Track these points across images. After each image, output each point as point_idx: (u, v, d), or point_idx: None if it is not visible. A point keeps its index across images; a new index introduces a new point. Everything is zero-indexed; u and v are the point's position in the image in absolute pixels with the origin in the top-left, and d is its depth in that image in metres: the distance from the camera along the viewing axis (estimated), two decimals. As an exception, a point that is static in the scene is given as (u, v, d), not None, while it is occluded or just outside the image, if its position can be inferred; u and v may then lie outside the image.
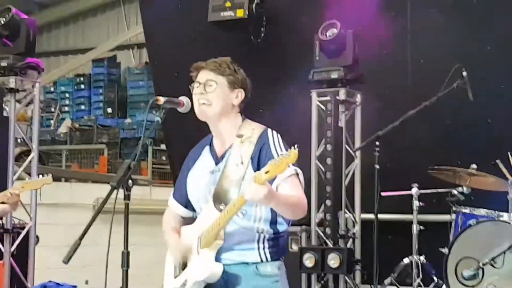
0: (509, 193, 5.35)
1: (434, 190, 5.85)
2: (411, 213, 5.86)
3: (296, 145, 2.88)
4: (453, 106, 6.36)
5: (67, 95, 16.58)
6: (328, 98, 6.59)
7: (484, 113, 6.45)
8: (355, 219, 6.59)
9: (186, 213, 3.47)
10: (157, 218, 10.91)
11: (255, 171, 3.11)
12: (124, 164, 3.05)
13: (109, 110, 16.10)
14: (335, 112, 6.50)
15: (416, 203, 5.84)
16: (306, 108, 6.72)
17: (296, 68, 7.03)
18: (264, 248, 3.22)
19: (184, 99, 3.35)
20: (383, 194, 5.78)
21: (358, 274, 6.49)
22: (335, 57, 6.57)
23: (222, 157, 3.31)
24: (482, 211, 5.55)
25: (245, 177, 3.16)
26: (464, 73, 5.82)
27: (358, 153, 6.63)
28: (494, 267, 5.06)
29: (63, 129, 15.07)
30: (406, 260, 5.92)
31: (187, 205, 3.45)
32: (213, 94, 3.29)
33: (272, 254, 3.23)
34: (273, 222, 3.25)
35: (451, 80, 5.81)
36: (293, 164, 3.02)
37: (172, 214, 3.53)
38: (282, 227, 3.27)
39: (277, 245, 3.26)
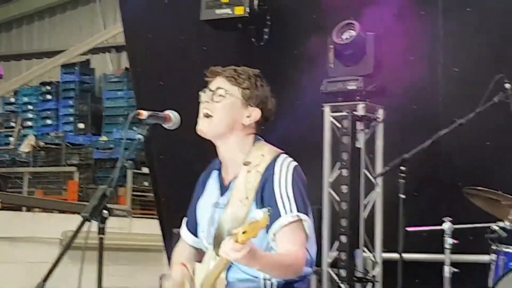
0: (560, 230, 5.35)
1: (471, 225, 5.86)
2: (443, 252, 5.86)
3: (269, 209, 2.86)
4: (494, 124, 6.38)
5: (30, 107, 16.63)
6: (344, 113, 6.61)
7: (531, 133, 6.47)
8: (375, 259, 6.60)
9: (200, 244, 3.54)
10: (138, 256, 11.05)
11: (259, 207, 3.17)
12: (98, 191, 3.08)
13: (81, 125, 16.13)
14: (353, 130, 6.52)
15: (449, 241, 5.84)
16: (317, 126, 6.74)
17: (305, 78, 7.06)
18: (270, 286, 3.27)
19: (171, 113, 3.38)
20: (409, 229, 5.78)
21: (378, 326, 6.49)
22: (352, 65, 6.60)
23: (227, 188, 3.38)
24: (527, 251, 5.55)
25: (248, 216, 3.17)
26: (507, 85, 5.84)
27: (379, 180, 6.64)
28: (542, 318, 5.05)
29: (25, 147, 15.11)
30: (436, 309, 5.91)
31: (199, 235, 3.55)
32: (219, 105, 3.35)
33: None
34: None
35: (491, 94, 5.83)
36: (298, 209, 3.14)
37: (183, 246, 3.62)
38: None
39: None
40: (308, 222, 3.25)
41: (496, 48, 6.62)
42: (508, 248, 5.61)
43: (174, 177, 8.05)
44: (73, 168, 14.14)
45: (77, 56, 16.68)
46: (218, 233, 3.30)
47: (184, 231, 3.63)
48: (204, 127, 3.40)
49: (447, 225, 5.85)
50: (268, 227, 3.11)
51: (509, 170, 6.51)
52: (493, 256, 5.68)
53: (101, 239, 3.04)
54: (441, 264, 5.89)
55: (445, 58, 6.90)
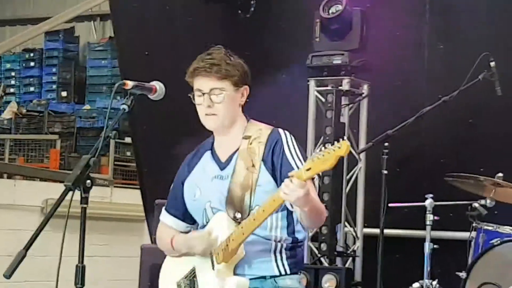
0: (540, 208, 5.38)
1: (452, 202, 5.89)
2: (424, 228, 5.89)
3: (345, 137, 3.01)
4: (477, 102, 6.40)
5: (13, 73, 16.50)
6: (329, 88, 6.62)
7: (514, 112, 6.49)
8: (356, 234, 6.63)
9: (185, 227, 3.65)
10: (118, 225, 11.01)
11: (270, 173, 3.35)
12: (82, 160, 3.07)
13: (64, 93, 16.03)
14: (337, 105, 6.53)
15: (430, 217, 5.86)
16: (302, 100, 6.74)
17: (291, 51, 7.05)
18: (282, 259, 3.41)
19: (156, 84, 3.38)
20: (390, 205, 5.81)
21: (357, 300, 6.53)
22: (338, 40, 6.60)
23: (228, 161, 3.47)
24: (507, 229, 5.58)
25: (259, 180, 3.35)
26: (492, 64, 5.85)
27: (362, 156, 6.66)
28: (520, 296, 5.10)
29: (7, 114, 15.02)
30: (416, 285, 5.94)
31: (185, 218, 3.63)
32: (220, 105, 3.42)
33: (291, 266, 3.42)
34: (291, 230, 3.45)
35: (476, 71, 5.84)
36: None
37: (168, 231, 3.68)
38: (300, 235, 3.48)
39: (295, 256, 3.45)
40: (316, 180, 3.47)
41: (482, 26, 6.63)
42: (488, 225, 5.65)
43: (157, 148, 8.03)
44: (55, 136, 14.07)
45: (62, 24, 16.54)
46: (230, 200, 3.38)
47: (164, 214, 3.70)
48: (210, 125, 3.48)
49: (428, 202, 5.87)
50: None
51: (492, 148, 6.55)
52: (473, 234, 5.72)
53: (83, 208, 3.03)
54: (421, 240, 5.92)
55: (430, 35, 6.90)
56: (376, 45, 6.67)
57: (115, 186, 10.77)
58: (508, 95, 5.96)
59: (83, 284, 3.00)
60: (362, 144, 6.63)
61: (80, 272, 3.00)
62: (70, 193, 2.99)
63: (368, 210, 6.55)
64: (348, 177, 6.66)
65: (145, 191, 8.27)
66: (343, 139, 3.02)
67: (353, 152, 6.64)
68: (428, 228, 5.87)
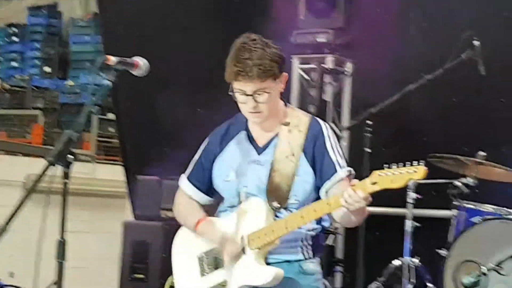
0: (521, 187, 5.41)
1: (434, 181, 5.90)
2: (405, 206, 5.92)
3: (422, 161, 3.15)
4: (461, 81, 6.41)
5: (-5, 48, 16.40)
6: (313, 66, 6.62)
7: (496, 91, 6.51)
8: (338, 212, 6.64)
9: (208, 200, 3.67)
10: (101, 201, 10.97)
11: (310, 164, 3.37)
12: (64, 136, 3.06)
13: (47, 69, 15.94)
14: (321, 83, 6.53)
15: (411, 195, 5.89)
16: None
17: (276, 29, 7.02)
18: (307, 246, 3.46)
19: (139, 59, 3.37)
20: (373, 183, 5.82)
21: (339, 277, 6.56)
22: (323, 17, 6.60)
23: (266, 147, 3.48)
24: (488, 207, 5.62)
25: (298, 171, 3.36)
26: (476, 43, 5.86)
27: (346, 133, 6.67)
28: (500, 273, 5.12)
29: (-11, 89, 14.94)
30: (396, 262, 5.98)
31: (208, 192, 3.64)
32: (264, 104, 3.39)
33: (314, 251, 3.48)
34: (319, 219, 3.47)
35: (460, 51, 5.85)
36: (347, 164, 3.38)
37: (187, 199, 3.68)
38: (326, 223, 3.54)
39: (318, 241, 3.50)
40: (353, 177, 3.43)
41: (466, 5, 6.63)
42: (470, 204, 5.68)
43: (140, 124, 8.02)
44: (38, 112, 14.00)
45: (45, -1, 16.43)
46: (270, 188, 3.39)
47: (186, 184, 3.68)
48: (255, 121, 3.47)
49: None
50: (321, 179, 3.35)
51: (474, 126, 6.57)
52: (455, 212, 5.75)
53: (65, 183, 3.03)
54: (403, 218, 5.95)
55: (415, 14, 6.90)
56: (361, 24, 6.67)
57: (97, 162, 10.75)
58: (491, 74, 5.98)
59: (64, 258, 3.00)
60: (346, 122, 6.64)
61: (61, 247, 3.00)
62: (52, 168, 2.99)
63: (351, 188, 6.56)
64: (331, 155, 6.66)
65: (128, 167, 8.26)
66: (419, 164, 3.13)
67: (336, 130, 6.66)
68: (410, 206, 5.89)
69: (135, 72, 3.38)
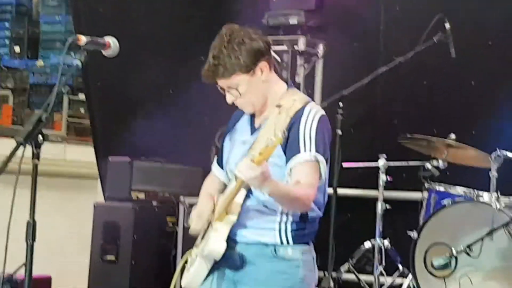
0: (491, 170, 5.44)
1: (405, 163, 5.93)
2: (377, 188, 5.94)
3: (284, 131, 3.12)
4: (431, 64, 6.43)
5: (-36, 28, 16.24)
6: (284, 47, 6.61)
7: (467, 74, 6.54)
8: (309, 194, 6.64)
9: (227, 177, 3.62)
10: (72, 183, 10.88)
11: (283, 148, 3.31)
12: (34, 116, 3.04)
13: (17, 48, 15.79)
14: (292, 64, 6.52)
15: (382, 177, 5.92)
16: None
17: (247, 10, 7.00)
18: (286, 231, 3.39)
19: (110, 39, 3.34)
20: (344, 165, 5.84)
21: (310, 259, 6.57)
22: (295, -1, 6.58)
23: (258, 128, 3.47)
24: (459, 190, 5.64)
25: (273, 152, 3.26)
26: (447, 26, 5.87)
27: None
28: (470, 255, 5.17)
29: (-42, 69, 14.79)
30: (367, 244, 6.01)
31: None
32: (242, 98, 3.40)
33: (295, 238, 3.40)
34: None
35: (431, 33, 5.86)
36: (317, 150, 3.31)
37: (213, 179, 3.70)
38: (312, 213, 3.45)
39: (303, 229, 3.43)
40: (324, 165, 3.39)
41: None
42: (440, 186, 5.71)
43: (111, 105, 7.97)
44: (8, 92, 13.89)
45: (15, -22, 16.28)
46: None
47: (214, 165, 3.70)
48: (245, 111, 3.49)
49: (381, 162, 5.92)
50: (286, 162, 3.31)
51: (444, 109, 6.59)
52: (425, 194, 5.78)
53: (35, 164, 3.00)
54: (374, 200, 5.98)
55: (387, -4, 6.90)
56: (333, 6, 6.66)
57: (68, 143, 10.67)
58: (461, 57, 6.00)
59: (34, 239, 2.99)
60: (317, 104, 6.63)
61: (31, 228, 2.98)
62: (22, 148, 2.96)
63: (322, 170, 6.56)
64: (302, 136, 6.67)
65: (99, 148, 8.21)
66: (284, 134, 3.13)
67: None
68: (381, 188, 5.92)
69: (106, 53, 3.34)
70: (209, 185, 3.68)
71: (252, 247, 3.37)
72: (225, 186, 3.61)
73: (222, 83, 3.38)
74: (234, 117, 3.64)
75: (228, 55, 3.33)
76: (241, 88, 3.37)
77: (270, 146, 3.03)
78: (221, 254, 3.31)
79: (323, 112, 3.45)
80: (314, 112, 3.39)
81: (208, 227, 3.43)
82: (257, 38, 3.43)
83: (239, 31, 3.41)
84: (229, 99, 3.41)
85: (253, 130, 3.50)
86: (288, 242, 3.38)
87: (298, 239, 3.41)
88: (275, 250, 3.38)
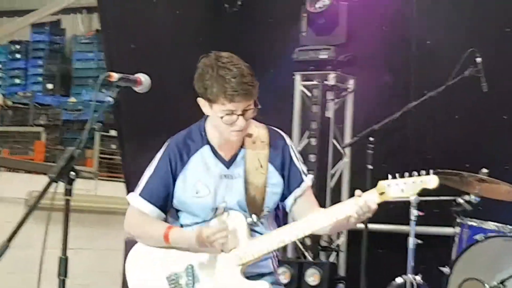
0: (524, 205, 5.40)
1: (436, 198, 5.90)
2: (408, 223, 5.90)
3: (433, 171, 3.18)
4: (463, 98, 6.41)
5: (-1, 65, 16.43)
6: (315, 82, 6.63)
7: (499, 108, 6.51)
8: (341, 229, 6.63)
9: (162, 217, 3.58)
10: (102, 218, 10.98)
11: (280, 174, 3.42)
12: (66, 152, 3.06)
13: (50, 86, 15.98)
14: (323, 99, 6.53)
15: (414, 212, 5.87)
16: (288, 94, 6.74)
17: (278, 46, 7.04)
18: (274, 257, 3.53)
19: (142, 76, 3.37)
20: (375, 200, 5.81)
21: (341, 295, 6.54)
22: (325, 34, 6.61)
23: (233, 159, 3.46)
24: (491, 225, 5.60)
25: (269, 181, 3.40)
26: (478, 60, 5.86)
27: (347, 150, 6.67)
28: (504, 291, 5.12)
29: (-8, 106, 14.95)
30: (399, 280, 5.95)
31: (162, 207, 3.55)
32: (249, 121, 3.40)
33: (278, 262, 3.56)
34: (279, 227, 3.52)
35: (462, 67, 5.85)
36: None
37: (144, 216, 3.57)
38: None
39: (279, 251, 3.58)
40: None
41: (468, 22, 6.64)
42: (472, 221, 5.66)
43: (141, 141, 8.01)
44: (40, 129, 14.01)
45: (48, 16, 16.48)
46: (248, 202, 3.40)
47: (139, 201, 3.56)
48: (234, 140, 3.43)
49: (413, 197, 5.87)
50: (288, 193, 3.44)
51: (476, 143, 6.56)
52: (457, 229, 5.74)
53: (67, 200, 3.02)
54: (405, 235, 5.93)
55: (418, 31, 6.90)
56: (363, 40, 6.68)
57: (99, 179, 10.73)
58: (493, 91, 5.97)
59: (66, 275, 3.00)
60: (348, 139, 6.64)
61: (63, 264, 2.99)
62: (54, 185, 2.98)
63: (353, 205, 6.54)
64: (333, 171, 6.67)
65: (130, 184, 8.25)
66: (428, 173, 3.17)
67: (338, 146, 6.65)
68: (413, 223, 5.87)
69: (137, 89, 3.37)
70: (153, 220, 3.54)
71: (253, 278, 3.41)
72: None
73: (243, 104, 3.30)
74: (177, 153, 3.53)
75: (251, 73, 3.33)
76: (253, 108, 3.36)
77: (398, 188, 3.16)
78: None
79: None
80: (283, 133, 3.56)
81: (193, 267, 3.45)
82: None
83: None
84: (241, 123, 3.33)
85: (227, 163, 3.46)
86: (275, 268, 3.52)
87: (278, 262, 3.58)
88: (273, 278, 3.49)
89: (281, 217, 3.57)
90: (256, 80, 3.34)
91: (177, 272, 3.50)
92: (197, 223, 3.49)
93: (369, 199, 3.13)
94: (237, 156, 3.45)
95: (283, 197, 3.47)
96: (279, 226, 3.51)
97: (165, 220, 3.57)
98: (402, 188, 3.07)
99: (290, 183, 3.42)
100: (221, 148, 3.48)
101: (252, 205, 3.40)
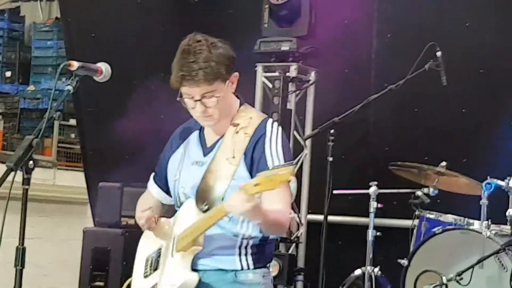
0: (482, 198, 5.46)
1: (395, 190, 5.94)
2: (367, 216, 5.94)
3: (293, 161, 2.96)
4: (423, 91, 6.46)
5: (-44, 52, 16.23)
6: (276, 74, 6.62)
7: (458, 101, 6.57)
8: (300, 220, 6.65)
9: (170, 200, 3.57)
10: (61, 208, 10.89)
11: (248, 169, 3.24)
12: (25, 141, 3.03)
13: (8, 73, 15.80)
14: (284, 91, 6.54)
15: (373, 205, 5.92)
16: (249, 85, 6.73)
17: (239, 37, 7.01)
18: (246, 255, 3.34)
19: (102, 65, 3.35)
20: (335, 192, 5.84)
21: (300, 286, 6.56)
22: (287, 26, 6.61)
23: (212, 148, 3.38)
24: (449, 218, 5.66)
25: (235, 175, 3.24)
26: (438, 53, 5.90)
27: (308, 142, 6.68)
28: (460, 283, 5.16)
29: (-51, 94, 14.77)
30: (357, 272, 6.00)
31: (169, 192, 3.56)
32: (213, 107, 3.28)
33: (255, 261, 3.35)
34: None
35: (422, 61, 5.89)
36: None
37: (150, 198, 3.63)
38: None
39: (262, 252, 3.39)
40: (293, 183, 3.29)
41: (429, 16, 6.69)
42: (431, 213, 5.72)
43: (102, 131, 7.97)
44: (-2, 117, 13.89)
45: (7, 3, 16.32)
46: (202, 189, 3.31)
47: (151, 183, 3.65)
48: (206, 125, 3.38)
49: (372, 189, 5.93)
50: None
51: (435, 136, 6.62)
52: (416, 221, 5.79)
53: (25, 189, 3.00)
54: (365, 227, 5.98)
55: (379, 24, 6.94)
56: (325, 33, 6.69)
57: (58, 168, 10.66)
58: (453, 85, 6.02)
59: (23, 265, 2.98)
60: (308, 131, 6.65)
61: (21, 254, 2.97)
62: (12, 174, 2.96)
63: (313, 197, 6.58)
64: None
65: (89, 174, 8.22)
66: (290, 164, 2.98)
67: (299, 138, 6.67)
68: (372, 215, 5.92)
69: (97, 78, 3.35)
70: (145, 203, 3.58)
71: (212, 273, 3.31)
72: (159, 204, 3.60)
73: (199, 89, 3.22)
74: (174, 138, 3.55)
75: (212, 60, 3.23)
76: (218, 97, 3.25)
77: (268, 177, 2.91)
78: (194, 286, 3.25)
79: (280, 126, 3.39)
80: (275, 128, 3.33)
81: (159, 255, 3.41)
82: (229, 47, 3.37)
83: (212, 38, 3.34)
84: (200, 109, 3.26)
85: (206, 150, 3.41)
86: (248, 267, 3.33)
87: (258, 262, 3.36)
88: (235, 275, 3.32)
89: None
90: (226, 67, 3.27)
91: (151, 253, 3.50)
92: (176, 208, 3.49)
93: (243, 188, 2.96)
94: (216, 144, 3.37)
95: None
96: None
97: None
98: (271, 179, 2.89)
99: (253, 175, 3.18)
100: (208, 135, 3.43)
101: (205, 194, 3.29)
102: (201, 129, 3.48)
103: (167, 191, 3.58)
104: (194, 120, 3.47)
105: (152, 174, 3.69)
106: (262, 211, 3.10)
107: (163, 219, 3.52)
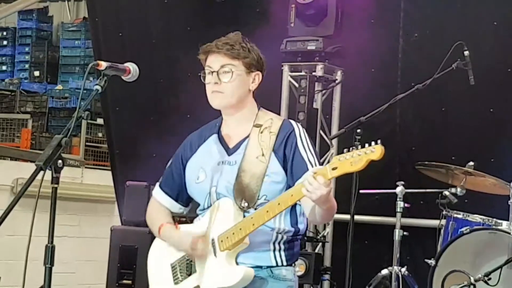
0: (510, 198, 5.42)
1: (423, 190, 5.92)
2: (394, 215, 5.92)
3: (379, 140, 3.04)
4: (450, 91, 6.43)
5: (-15, 52, 16.35)
6: (302, 73, 6.62)
7: (486, 101, 6.53)
8: (326, 220, 6.64)
9: (179, 208, 3.66)
10: (88, 206, 10.97)
11: (281, 164, 3.34)
12: (54, 140, 3.04)
13: (36, 73, 15.92)
14: (310, 90, 6.53)
15: (400, 204, 5.90)
16: (275, 85, 6.73)
17: (266, 36, 7.02)
18: (280, 250, 3.40)
19: (130, 65, 3.36)
20: (362, 191, 5.83)
21: (326, 285, 6.56)
22: (313, 25, 6.60)
23: (236, 148, 3.46)
24: (477, 218, 5.62)
25: (268, 171, 3.34)
26: (466, 53, 5.87)
27: (335, 141, 6.67)
28: (488, 284, 5.13)
29: (-22, 93, 14.88)
30: (384, 271, 5.98)
31: (178, 198, 3.62)
32: (229, 84, 3.41)
33: (287, 258, 3.43)
34: (294, 221, 3.44)
35: (450, 60, 5.86)
36: (319, 163, 3.32)
37: (158, 207, 3.68)
38: (302, 226, 3.47)
39: (293, 248, 3.46)
40: None
41: (456, 15, 6.65)
42: (458, 213, 5.69)
43: (129, 130, 8.01)
44: (27, 116, 13.97)
45: (35, 3, 16.42)
46: (238, 188, 3.36)
47: (158, 192, 3.68)
48: (216, 103, 3.46)
49: (399, 189, 5.90)
50: (292, 179, 3.31)
51: (463, 136, 6.58)
52: (443, 221, 5.76)
53: (54, 188, 3.01)
54: (391, 227, 5.96)
55: (405, 23, 6.90)
56: (351, 32, 6.67)
57: (86, 167, 10.72)
58: (480, 84, 5.99)
59: (52, 264, 2.99)
60: (335, 130, 6.64)
61: (50, 252, 2.99)
62: (41, 172, 2.97)
63: (339, 196, 6.50)
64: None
65: (116, 173, 8.24)
66: (376, 143, 3.03)
67: (325, 138, 6.66)
68: (398, 215, 5.90)
69: (125, 78, 3.36)
70: (160, 214, 3.64)
71: None
72: (168, 212, 3.63)
73: (220, 60, 3.41)
74: (189, 143, 3.62)
75: (240, 44, 3.43)
76: (233, 75, 3.40)
77: (348, 160, 2.99)
78: (251, 280, 3.31)
79: None
80: (301, 127, 3.47)
81: (190, 259, 3.45)
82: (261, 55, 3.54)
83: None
84: (213, 80, 3.41)
85: (230, 150, 3.47)
86: (282, 264, 3.41)
87: (290, 259, 3.44)
88: (271, 271, 3.39)
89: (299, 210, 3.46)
90: (251, 49, 3.45)
91: (177, 258, 3.53)
92: (202, 209, 3.50)
93: (319, 173, 3.04)
94: (241, 145, 3.45)
95: (289, 187, 3.34)
96: (293, 219, 3.43)
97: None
98: (351, 161, 3.00)
99: (293, 174, 3.33)
100: (228, 137, 3.51)
101: (242, 192, 3.35)
102: (219, 133, 3.55)
103: (176, 199, 3.63)
104: (209, 127, 3.59)
105: (157, 184, 3.71)
106: (331, 195, 3.18)
107: (185, 226, 3.57)
